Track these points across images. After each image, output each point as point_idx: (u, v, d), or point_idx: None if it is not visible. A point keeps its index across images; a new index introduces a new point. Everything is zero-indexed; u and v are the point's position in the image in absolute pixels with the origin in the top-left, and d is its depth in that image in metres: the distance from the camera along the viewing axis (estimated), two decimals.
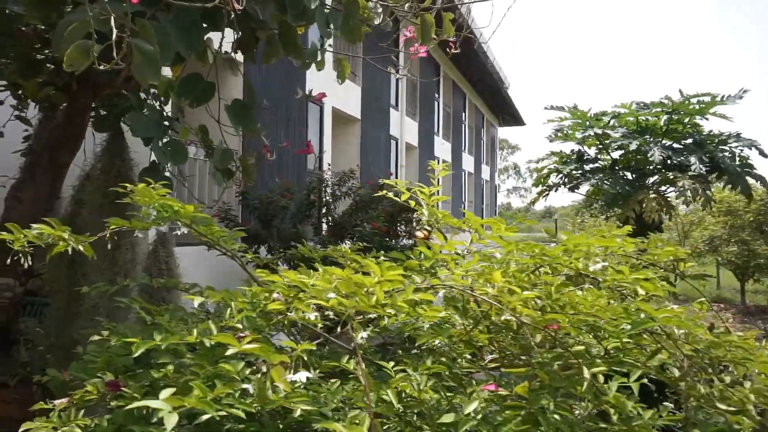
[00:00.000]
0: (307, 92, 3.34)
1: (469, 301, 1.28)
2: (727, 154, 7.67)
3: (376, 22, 3.56)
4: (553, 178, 9.12)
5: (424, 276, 1.32)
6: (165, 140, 2.95)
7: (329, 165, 9.27)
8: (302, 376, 1.04)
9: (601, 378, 1.11)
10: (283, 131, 9.52)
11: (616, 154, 8.70)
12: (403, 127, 16.34)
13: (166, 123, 3.14)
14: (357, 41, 3.37)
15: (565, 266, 1.33)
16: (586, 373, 1.07)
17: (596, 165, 8.22)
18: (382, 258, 2.19)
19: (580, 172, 8.64)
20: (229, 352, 1.07)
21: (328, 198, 8.74)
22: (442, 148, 20.59)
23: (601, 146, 8.71)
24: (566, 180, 8.92)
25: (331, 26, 3.17)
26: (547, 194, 9.31)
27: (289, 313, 1.21)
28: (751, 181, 7.65)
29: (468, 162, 24.52)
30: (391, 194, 2.05)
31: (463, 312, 1.29)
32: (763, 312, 16.63)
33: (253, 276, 1.85)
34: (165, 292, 3.03)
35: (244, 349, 1.05)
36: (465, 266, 1.30)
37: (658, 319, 1.11)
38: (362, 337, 1.16)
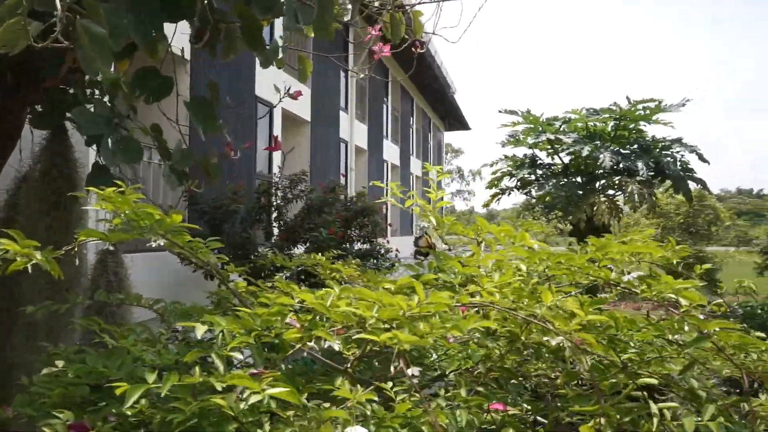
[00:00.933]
0: (284, 90, 3.13)
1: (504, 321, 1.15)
2: (670, 159, 7.99)
3: (346, 18, 3.41)
4: (507, 182, 9.22)
5: (453, 293, 1.18)
6: (115, 138, 2.67)
7: (280, 167, 8.98)
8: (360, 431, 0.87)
9: (668, 414, 1.00)
10: (233, 132, 9.16)
11: (567, 159, 8.89)
12: (353, 130, 16.19)
13: (116, 120, 2.85)
14: (329, 39, 3.20)
15: (594, 276, 1.24)
16: (654, 409, 0.97)
17: (549, 170, 8.37)
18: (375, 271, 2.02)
19: (533, 176, 8.78)
20: (252, 400, 0.87)
21: (279, 201, 8.47)
22: (391, 151, 20.60)
23: (552, 151, 8.89)
24: (519, 184, 9.04)
25: (300, 21, 2.99)
26: (500, 197, 9.40)
27: (309, 343, 1.04)
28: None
29: (416, 165, 24.68)
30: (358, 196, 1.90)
31: (493, 334, 1.16)
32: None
33: (238, 295, 1.65)
34: (114, 306, 2.74)
35: (271, 393, 0.86)
36: (498, 281, 1.17)
37: (712, 333, 1.03)
38: (414, 374, 1.01)
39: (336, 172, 14.84)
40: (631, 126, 8.53)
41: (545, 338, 1.08)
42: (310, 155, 13.21)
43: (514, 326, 1.12)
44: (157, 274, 6.59)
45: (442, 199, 1.66)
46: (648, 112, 7.96)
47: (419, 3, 3.88)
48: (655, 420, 0.96)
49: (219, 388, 0.94)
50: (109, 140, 2.72)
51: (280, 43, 3.39)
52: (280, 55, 3.51)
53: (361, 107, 17.35)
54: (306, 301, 1.07)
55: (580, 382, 1.49)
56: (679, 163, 8.03)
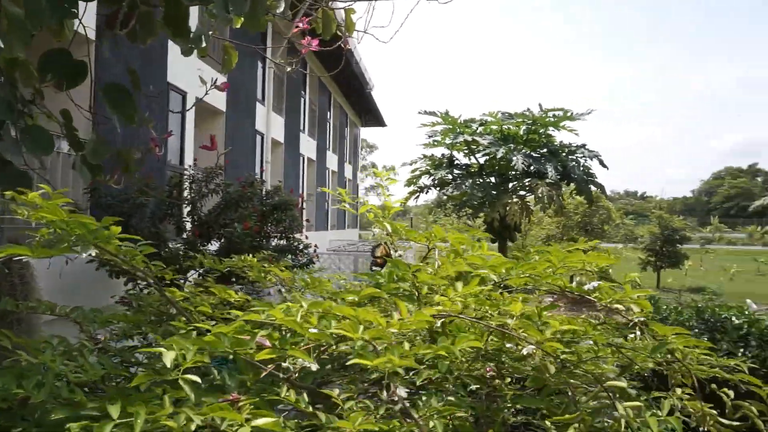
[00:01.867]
0: (210, 82, 2.97)
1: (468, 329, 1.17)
2: (575, 163, 8.54)
3: (279, 10, 3.30)
4: (425, 180, 9.41)
5: (417, 304, 1.17)
6: (20, 126, 2.40)
7: (195, 160, 8.57)
8: None
9: (631, 413, 1.07)
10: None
11: (482, 160, 9.22)
12: (270, 123, 15.80)
13: (20, 106, 2.57)
14: (260, 30, 3.08)
15: (552, 284, 1.29)
16: (621, 410, 1.02)
17: (466, 170, 8.65)
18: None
19: (450, 175, 9.02)
20: None
21: (194, 195, 8.07)
22: (308, 145, 20.34)
23: (468, 152, 9.18)
24: (436, 182, 9.26)
25: (231, 11, 2.85)
26: (419, 195, 9.58)
27: (284, 363, 0.98)
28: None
29: (332, 160, 24.56)
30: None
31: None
32: (588, 302, 19.13)
33: (177, 305, 1.54)
34: (20, 312, 2.47)
35: (258, 424, 0.80)
36: (463, 291, 1.18)
37: (673, 343, 1.11)
38: (403, 394, 0.98)
39: (252, 165, 14.41)
40: (541, 131, 9.02)
41: (508, 345, 1.10)
42: (225, 147, 12.72)
43: (476, 335, 1.14)
44: (53, 271, 6.04)
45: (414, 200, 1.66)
46: (556, 119, 8.46)
47: (354, 1, 3.84)
48: (623, 421, 1.02)
49: (198, 422, 0.86)
50: (12, 129, 2.45)
51: (208, 30, 3.22)
52: (204, 44, 3.34)
53: (279, 99, 16.97)
54: (275, 318, 1.01)
55: (513, 380, 1.55)
56: (582, 168, 8.62)
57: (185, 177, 8.25)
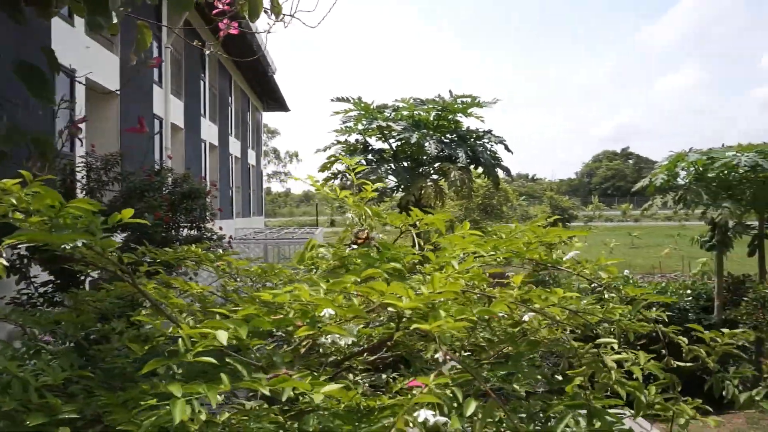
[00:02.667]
0: (138, 58, 2.80)
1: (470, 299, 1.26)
2: (482, 148, 8.99)
3: None
4: (339, 166, 9.44)
5: (423, 280, 1.24)
6: None
7: (93, 147, 7.95)
8: (441, 419, 0.86)
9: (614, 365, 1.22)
10: (25, 102, 7.76)
11: (395, 145, 9.40)
12: (169, 106, 14.93)
13: None
14: (188, 11, 2.94)
15: (533, 258, 1.41)
16: (609, 362, 1.16)
17: (380, 155, 8.79)
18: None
19: (365, 161, 9.11)
20: (318, 400, 0.79)
21: (92, 184, 7.49)
22: (210, 130, 19.48)
23: (381, 137, 9.33)
24: (350, 168, 9.31)
25: None
26: (333, 180, 9.59)
27: (324, 339, 1.00)
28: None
29: (235, 146, 23.72)
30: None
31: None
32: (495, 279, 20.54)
33: (151, 298, 1.48)
34: None
35: (326, 391, 0.81)
36: (462, 267, 1.26)
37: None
38: (442, 358, 1.03)
39: (151, 152, 13.56)
40: (449, 117, 9.38)
41: (500, 314, 1.21)
42: (120, 132, 11.87)
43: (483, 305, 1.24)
44: None
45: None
46: (465, 105, 8.84)
47: None
48: (614, 373, 1.17)
49: (266, 392, 0.86)
50: None
51: (120, 7, 3.03)
52: (116, 20, 3.14)
53: (177, 82, 16.06)
54: (304, 299, 1.03)
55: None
56: (489, 152, 9.10)
57: (82, 165, 7.63)
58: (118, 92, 10.56)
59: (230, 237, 8.57)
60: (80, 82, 9.14)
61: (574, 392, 1.12)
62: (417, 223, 1.76)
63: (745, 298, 9.07)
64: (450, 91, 8.58)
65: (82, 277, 6.47)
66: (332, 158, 9.03)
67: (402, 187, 8.26)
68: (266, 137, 76.40)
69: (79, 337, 1.97)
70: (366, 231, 1.56)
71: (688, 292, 10.42)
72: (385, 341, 1.23)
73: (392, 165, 8.49)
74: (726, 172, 9.42)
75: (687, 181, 10.07)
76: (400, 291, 0.97)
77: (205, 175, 18.50)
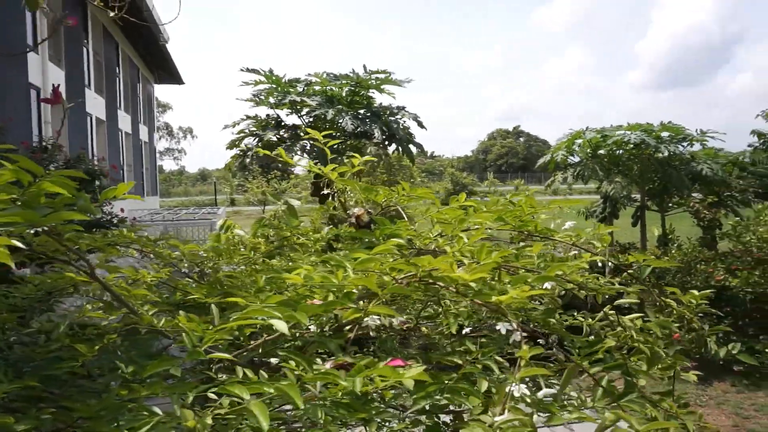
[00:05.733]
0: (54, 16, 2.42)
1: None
2: (396, 125, 9.00)
3: None
4: (249, 142, 9.04)
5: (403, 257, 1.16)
6: None
7: None
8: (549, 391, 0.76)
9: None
10: None
11: (307, 121, 9.14)
12: (47, 75, 13.37)
13: None
14: None
15: (525, 228, 1.38)
16: (627, 322, 1.15)
17: (294, 131, 8.51)
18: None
19: (276, 137, 8.80)
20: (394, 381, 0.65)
21: None
22: (95, 103, 17.78)
23: (292, 112, 9.03)
24: (260, 144, 8.96)
25: None
26: (242, 158, 9.19)
27: (366, 320, 0.88)
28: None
29: (125, 121, 21.93)
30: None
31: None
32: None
33: (112, 291, 1.25)
34: None
35: (411, 376, 0.69)
36: (471, 240, 1.18)
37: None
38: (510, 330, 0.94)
39: (25, 127, 12.09)
40: (362, 93, 9.27)
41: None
42: None
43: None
44: None
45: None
46: (379, 81, 8.76)
47: None
48: (633, 332, 1.18)
49: (344, 383, 0.73)
50: None
51: None
52: None
53: (56, 48, 14.43)
54: (337, 280, 0.90)
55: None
56: (402, 129, 9.14)
57: None
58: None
59: (134, 219, 7.92)
60: None
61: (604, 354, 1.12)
62: (395, 199, 1.68)
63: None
64: (364, 66, 8.47)
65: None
66: (242, 134, 8.59)
67: (318, 164, 8.07)
68: (157, 112, 71.84)
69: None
70: (364, 211, 1.45)
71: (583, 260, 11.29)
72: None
73: (307, 142, 8.25)
74: (615, 149, 10.22)
75: (581, 157, 10.81)
76: (445, 266, 0.88)
77: (93, 152, 16.91)
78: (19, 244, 0.85)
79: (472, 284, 0.90)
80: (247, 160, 8.84)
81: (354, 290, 0.91)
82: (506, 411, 0.73)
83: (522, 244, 1.52)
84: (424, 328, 1.40)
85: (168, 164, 75.92)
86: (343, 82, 8.71)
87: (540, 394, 0.88)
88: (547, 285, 1.22)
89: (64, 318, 1.57)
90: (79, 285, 2.08)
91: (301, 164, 1.82)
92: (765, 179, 13.96)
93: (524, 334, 0.92)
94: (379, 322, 0.96)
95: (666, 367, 1.29)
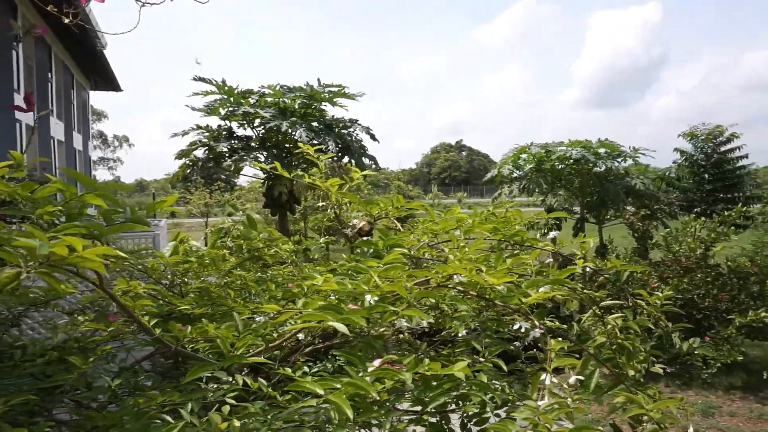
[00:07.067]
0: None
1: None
2: (350, 138, 9.08)
3: None
4: (199, 153, 8.88)
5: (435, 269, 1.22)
6: None
7: None
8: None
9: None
10: None
11: (260, 132, 9.07)
12: None
13: None
14: None
15: (509, 238, 1.47)
16: (611, 321, 1.26)
17: (247, 143, 8.42)
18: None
19: (227, 148, 8.68)
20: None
21: None
22: None
23: (245, 123, 8.95)
24: (211, 155, 8.81)
25: None
26: (190, 169, 9.01)
27: (401, 321, 0.92)
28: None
29: (57, 128, 20.85)
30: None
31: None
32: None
33: (118, 301, 1.24)
34: None
35: (458, 369, 0.74)
36: (473, 248, 1.26)
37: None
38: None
39: None
40: (315, 105, 9.30)
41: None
42: None
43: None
44: None
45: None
46: (332, 94, 8.83)
47: None
48: (617, 330, 1.29)
49: (408, 380, 0.77)
50: None
51: None
52: None
53: None
54: (381, 288, 0.95)
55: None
56: (356, 141, 9.22)
57: None
58: None
59: None
60: None
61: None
62: (388, 212, 1.74)
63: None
64: (318, 80, 8.51)
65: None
66: (193, 145, 8.41)
67: (273, 177, 8.01)
68: (92, 120, 68.78)
69: None
70: (365, 222, 1.50)
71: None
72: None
73: (261, 153, 8.18)
74: (558, 164, 10.73)
75: (524, 172, 11.27)
76: (471, 273, 0.96)
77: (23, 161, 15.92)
78: (123, 254, 0.86)
79: (499, 288, 0.98)
80: (188, 170, 8.67)
81: (387, 295, 0.97)
82: (545, 397, 0.81)
83: (507, 252, 1.62)
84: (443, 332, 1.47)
85: (102, 174, 72.52)
86: (297, 94, 8.71)
87: (571, 380, 0.97)
88: (546, 288, 1.33)
89: (54, 331, 1.53)
90: (52, 299, 2.03)
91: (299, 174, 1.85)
92: (689, 193, 14.99)
93: (542, 330, 1.01)
94: (406, 324, 1.02)
95: (642, 361, 1.43)
